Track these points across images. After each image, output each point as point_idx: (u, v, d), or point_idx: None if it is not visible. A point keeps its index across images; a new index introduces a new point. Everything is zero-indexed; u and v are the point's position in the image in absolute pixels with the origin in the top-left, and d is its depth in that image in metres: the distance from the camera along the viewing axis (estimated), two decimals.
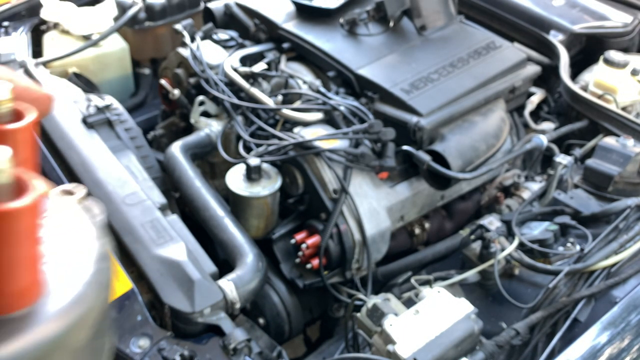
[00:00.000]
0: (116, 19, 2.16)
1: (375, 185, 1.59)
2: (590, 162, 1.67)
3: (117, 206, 1.37)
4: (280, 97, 1.72)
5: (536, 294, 1.39)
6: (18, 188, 0.45)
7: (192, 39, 1.88)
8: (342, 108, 1.61)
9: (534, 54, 2.04)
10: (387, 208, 1.58)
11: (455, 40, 1.85)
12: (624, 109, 1.91)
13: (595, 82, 1.94)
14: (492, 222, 1.55)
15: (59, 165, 1.50)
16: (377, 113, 1.64)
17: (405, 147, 1.59)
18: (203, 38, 1.91)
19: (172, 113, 2.03)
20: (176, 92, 1.87)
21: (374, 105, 1.66)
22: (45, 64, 1.91)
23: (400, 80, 1.68)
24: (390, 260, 1.63)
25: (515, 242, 1.48)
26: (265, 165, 1.56)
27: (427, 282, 1.45)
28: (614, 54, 1.90)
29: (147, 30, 2.23)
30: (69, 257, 0.50)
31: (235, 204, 1.56)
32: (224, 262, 1.43)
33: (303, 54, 1.86)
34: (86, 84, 2.04)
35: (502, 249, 1.48)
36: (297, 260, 1.52)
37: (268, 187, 1.52)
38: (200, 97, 1.82)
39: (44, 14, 2.12)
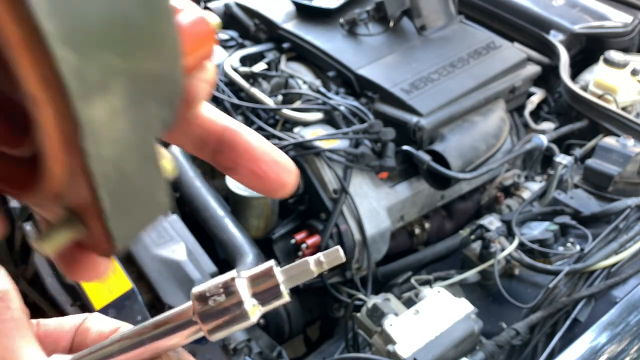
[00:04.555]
0: None
1: (375, 185, 1.59)
2: (590, 162, 1.67)
3: None
4: (280, 97, 1.72)
5: (536, 294, 1.39)
6: None
7: None
8: (342, 108, 1.61)
9: (534, 54, 2.04)
10: (387, 208, 1.58)
11: (455, 40, 1.85)
12: (624, 109, 1.91)
13: (595, 82, 1.94)
14: (492, 222, 1.55)
15: None
16: (377, 113, 1.64)
17: (405, 147, 1.59)
18: None
19: None
20: None
21: (374, 105, 1.66)
22: None
23: (400, 80, 1.68)
24: (390, 260, 1.63)
25: (515, 242, 1.48)
26: None
27: (427, 282, 1.45)
28: (614, 54, 1.90)
29: None
30: None
31: (235, 204, 1.56)
32: (224, 262, 1.43)
33: (303, 54, 1.86)
34: None
35: (502, 249, 1.48)
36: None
37: None
38: None
39: None
